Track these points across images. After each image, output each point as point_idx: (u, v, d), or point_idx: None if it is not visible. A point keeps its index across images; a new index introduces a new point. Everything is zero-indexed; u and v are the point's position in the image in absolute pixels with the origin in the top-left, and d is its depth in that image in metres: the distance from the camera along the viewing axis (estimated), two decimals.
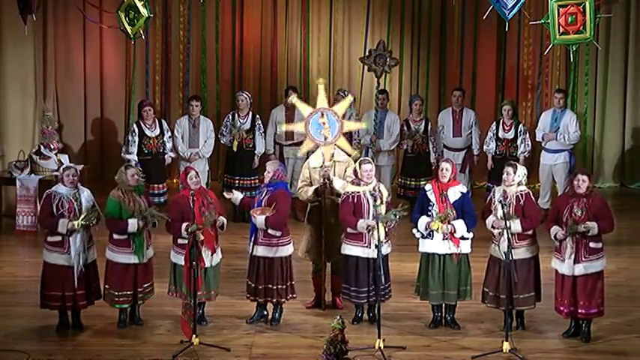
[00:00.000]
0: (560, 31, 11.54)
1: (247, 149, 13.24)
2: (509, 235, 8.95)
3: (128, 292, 9.30)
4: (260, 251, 9.37)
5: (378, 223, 9.08)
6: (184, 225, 9.10)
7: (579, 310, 9.06)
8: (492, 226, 9.18)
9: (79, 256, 9.16)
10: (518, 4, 11.59)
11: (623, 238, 12.41)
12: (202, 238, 9.04)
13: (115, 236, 9.25)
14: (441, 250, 9.30)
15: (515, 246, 9.11)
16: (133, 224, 9.15)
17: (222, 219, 9.32)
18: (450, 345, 9.06)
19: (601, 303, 9.10)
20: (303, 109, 10.14)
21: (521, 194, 9.26)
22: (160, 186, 13.16)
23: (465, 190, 9.46)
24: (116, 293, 9.29)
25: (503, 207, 8.98)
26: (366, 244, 9.33)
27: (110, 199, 9.24)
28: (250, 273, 9.45)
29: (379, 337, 8.71)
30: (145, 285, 9.39)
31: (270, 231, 9.32)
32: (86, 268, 9.25)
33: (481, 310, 9.62)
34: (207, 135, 13.30)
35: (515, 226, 9.10)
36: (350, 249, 9.42)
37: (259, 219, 9.29)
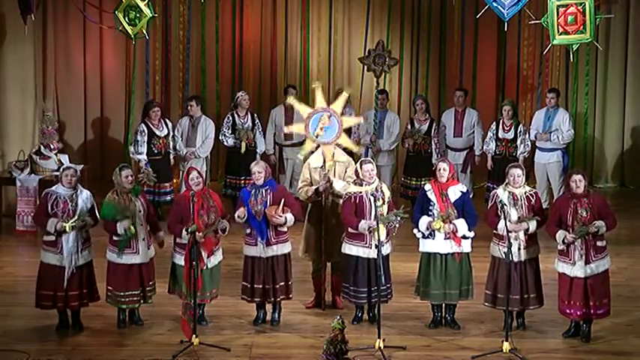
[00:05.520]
0: (560, 31, 11.55)
1: (251, 149, 13.27)
2: (522, 236, 9.11)
3: (135, 292, 9.31)
4: (275, 250, 9.42)
5: (378, 224, 9.09)
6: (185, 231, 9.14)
7: (591, 311, 9.07)
8: (508, 231, 8.96)
9: (71, 257, 9.17)
10: (520, 4, 11.60)
11: (623, 238, 12.42)
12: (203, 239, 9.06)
13: (115, 238, 9.26)
14: (443, 249, 9.29)
15: (526, 246, 9.18)
16: (120, 227, 9.16)
17: (225, 223, 9.32)
18: (450, 345, 9.06)
19: (608, 302, 9.14)
20: (302, 109, 10.13)
21: (531, 194, 9.28)
22: (167, 185, 13.20)
23: (464, 189, 9.46)
24: (121, 294, 9.29)
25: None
26: (366, 245, 9.33)
27: (106, 202, 9.25)
28: (258, 276, 9.43)
29: (379, 337, 8.72)
30: (150, 283, 9.41)
31: (279, 228, 9.37)
32: (80, 269, 9.25)
33: (481, 310, 9.62)
34: (206, 135, 13.30)
35: (533, 226, 9.15)
36: (351, 249, 9.43)
37: (289, 217, 9.34)
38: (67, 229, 9.13)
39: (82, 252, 9.24)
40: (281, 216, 9.31)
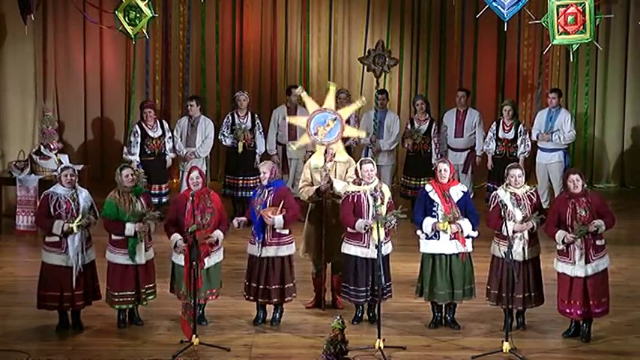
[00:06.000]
0: (560, 31, 11.56)
1: (249, 149, 13.25)
2: (527, 236, 9.14)
3: (129, 293, 9.29)
4: (271, 252, 9.38)
5: (378, 224, 9.08)
6: (175, 235, 9.13)
7: (590, 310, 9.08)
8: (514, 231, 9.07)
9: (78, 257, 9.16)
10: (520, 4, 11.60)
11: (623, 238, 12.42)
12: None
13: (114, 237, 9.26)
14: (449, 250, 9.28)
15: (529, 245, 9.19)
16: (129, 229, 9.15)
17: (218, 234, 9.28)
18: (450, 345, 9.06)
19: (607, 301, 9.15)
20: (310, 104, 10.14)
21: (532, 192, 9.30)
22: (162, 186, 13.19)
23: (465, 189, 9.47)
24: (115, 294, 9.29)
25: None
26: (365, 245, 9.33)
27: (107, 200, 9.26)
28: (254, 274, 9.44)
29: (379, 337, 8.72)
30: (147, 286, 9.39)
31: (278, 230, 9.32)
32: (84, 269, 9.25)
33: (482, 310, 9.62)
34: (205, 135, 13.30)
35: (536, 224, 9.18)
36: (350, 248, 9.43)
37: (277, 219, 9.28)
38: (75, 229, 9.12)
39: (86, 250, 9.25)
40: (270, 217, 9.30)
